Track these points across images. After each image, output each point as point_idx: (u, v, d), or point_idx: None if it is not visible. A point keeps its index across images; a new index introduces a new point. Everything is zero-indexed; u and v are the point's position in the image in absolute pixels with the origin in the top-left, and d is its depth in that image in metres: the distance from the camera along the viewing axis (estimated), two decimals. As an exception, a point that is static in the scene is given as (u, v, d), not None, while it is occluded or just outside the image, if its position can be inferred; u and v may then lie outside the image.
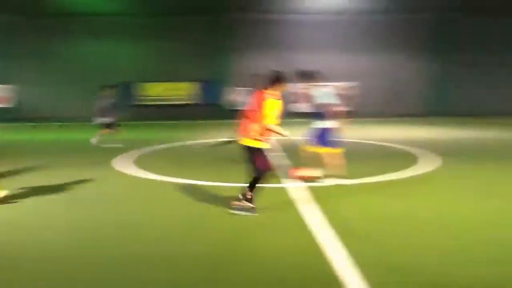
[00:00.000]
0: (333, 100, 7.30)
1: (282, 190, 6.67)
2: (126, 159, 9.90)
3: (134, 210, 5.81)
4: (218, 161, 9.71)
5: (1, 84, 21.82)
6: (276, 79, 5.47)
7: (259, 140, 5.38)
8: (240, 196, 5.48)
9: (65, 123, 19.84)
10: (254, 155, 5.39)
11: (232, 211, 5.46)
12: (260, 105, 5.36)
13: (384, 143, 12.29)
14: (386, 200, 6.11)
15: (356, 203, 5.93)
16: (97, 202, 6.29)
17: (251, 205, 5.43)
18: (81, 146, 12.57)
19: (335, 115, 7.20)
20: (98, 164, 9.19)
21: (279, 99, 5.45)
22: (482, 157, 9.93)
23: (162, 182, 7.45)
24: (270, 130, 5.39)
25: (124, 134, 12.75)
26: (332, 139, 7.22)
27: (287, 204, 5.87)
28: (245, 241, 4.60)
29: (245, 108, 5.78)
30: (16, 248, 4.43)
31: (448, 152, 10.42)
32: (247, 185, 5.44)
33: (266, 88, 5.47)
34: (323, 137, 7.25)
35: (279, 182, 7.10)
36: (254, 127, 5.35)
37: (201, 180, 7.38)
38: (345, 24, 23.39)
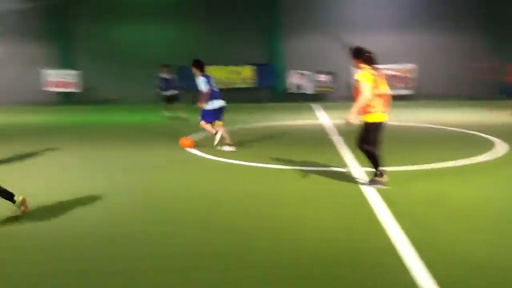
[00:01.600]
0: None
1: (349, 174, 6.67)
2: (200, 141, 10.18)
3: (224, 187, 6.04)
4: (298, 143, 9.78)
5: (70, 69, 22.84)
6: (358, 54, 5.73)
7: (365, 114, 5.68)
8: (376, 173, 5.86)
9: (129, 105, 20.58)
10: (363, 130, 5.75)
11: (370, 186, 5.85)
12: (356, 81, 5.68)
13: (454, 128, 11.85)
14: (459, 186, 5.97)
15: (425, 189, 5.82)
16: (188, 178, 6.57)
17: (382, 179, 5.82)
18: (149, 127, 13.07)
19: None
20: (168, 145, 9.57)
21: (374, 73, 5.63)
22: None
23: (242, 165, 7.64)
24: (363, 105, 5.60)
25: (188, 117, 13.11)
26: None
27: (355, 189, 5.88)
28: (308, 221, 4.67)
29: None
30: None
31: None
32: (372, 162, 5.80)
33: (357, 63, 5.74)
34: None
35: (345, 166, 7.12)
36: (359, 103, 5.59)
37: (280, 164, 7.51)
38: (404, 2, 22.56)
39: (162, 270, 3.66)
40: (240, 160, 7.92)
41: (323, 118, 14.80)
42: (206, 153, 8.68)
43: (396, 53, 21.37)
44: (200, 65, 9.18)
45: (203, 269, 3.66)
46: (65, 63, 23.05)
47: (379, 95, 5.66)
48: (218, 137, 9.05)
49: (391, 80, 21.41)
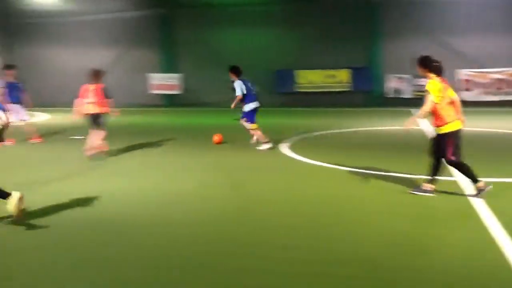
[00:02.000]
0: None
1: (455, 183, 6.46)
2: (294, 144, 10.42)
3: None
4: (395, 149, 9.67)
5: (172, 73, 24.31)
6: (425, 63, 5.73)
7: (441, 125, 5.63)
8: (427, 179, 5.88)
9: (222, 109, 21.39)
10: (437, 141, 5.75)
11: (412, 192, 5.92)
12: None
13: None
14: None
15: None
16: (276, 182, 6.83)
17: (430, 187, 5.82)
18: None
19: None
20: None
21: (441, 83, 5.62)
22: None
23: (331, 169, 7.74)
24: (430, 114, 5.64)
25: (283, 121, 13.38)
26: None
27: (461, 199, 5.70)
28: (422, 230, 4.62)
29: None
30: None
31: None
32: (464, 173, 5.74)
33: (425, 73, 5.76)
34: None
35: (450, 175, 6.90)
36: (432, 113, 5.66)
37: (374, 170, 7.50)
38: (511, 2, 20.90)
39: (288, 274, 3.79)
40: (339, 165, 7.99)
41: (422, 123, 14.30)
42: (302, 156, 8.86)
43: (505, 56, 19.97)
44: (237, 71, 10.08)
45: (328, 276, 3.70)
46: (168, 68, 24.58)
47: (450, 103, 5.65)
48: (255, 137, 10.09)
49: (499, 84, 20.04)
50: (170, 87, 24.22)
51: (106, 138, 9.34)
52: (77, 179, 7.51)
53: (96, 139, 9.08)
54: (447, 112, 5.58)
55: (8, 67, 11.77)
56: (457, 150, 5.60)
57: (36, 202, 5.76)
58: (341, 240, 4.46)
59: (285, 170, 7.85)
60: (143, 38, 24.76)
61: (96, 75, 9.10)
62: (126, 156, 9.50)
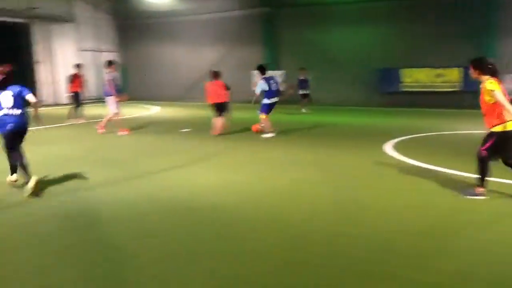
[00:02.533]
0: None
1: None
2: (399, 144, 10.15)
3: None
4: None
5: (276, 70, 24.67)
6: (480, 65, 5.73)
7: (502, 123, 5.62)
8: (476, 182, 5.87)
9: (326, 107, 21.35)
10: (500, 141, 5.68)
11: (466, 196, 5.87)
12: None
13: None
14: None
15: None
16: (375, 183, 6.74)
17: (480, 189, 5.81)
18: (352, 129, 13.47)
19: None
20: (371, 147, 9.78)
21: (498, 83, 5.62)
22: None
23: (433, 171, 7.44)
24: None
25: (387, 120, 13.02)
26: None
27: None
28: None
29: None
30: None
31: None
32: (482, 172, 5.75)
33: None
34: None
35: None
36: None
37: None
38: None
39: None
40: (450, 168, 7.66)
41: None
42: (408, 157, 8.61)
43: None
44: (262, 70, 11.86)
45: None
46: (271, 66, 24.99)
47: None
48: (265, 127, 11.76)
49: None
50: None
51: (226, 124, 12.19)
52: (194, 169, 8.05)
53: (219, 122, 12.03)
54: (503, 112, 5.53)
55: (110, 63, 12.98)
56: (494, 151, 5.65)
57: (154, 189, 6.29)
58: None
59: (391, 173, 7.68)
60: (248, 36, 25.45)
61: (216, 74, 12.18)
62: (236, 150, 9.98)
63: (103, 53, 27.88)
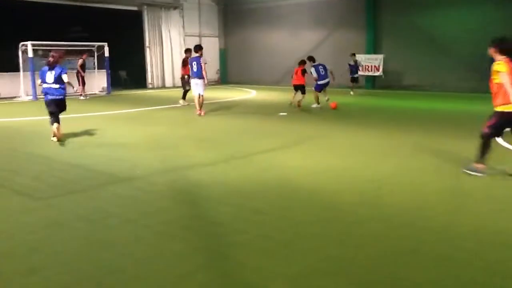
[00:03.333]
0: None
1: None
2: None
3: None
4: None
5: (375, 54, 23.73)
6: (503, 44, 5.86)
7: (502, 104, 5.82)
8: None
9: (432, 93, 20.16)
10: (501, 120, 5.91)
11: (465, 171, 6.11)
12: None
13: None
14: None
15: None
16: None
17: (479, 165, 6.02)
18: (449, 116, 12.59)
19: None
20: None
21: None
22: None
23: None
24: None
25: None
26: None
27: None
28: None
29: None
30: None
31: None
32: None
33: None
34: None
35: None
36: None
37: None
38: None
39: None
40: None
41: None
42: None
43: None
44: (312, 59, 14.87)
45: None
46: (371, 49, 24.05)
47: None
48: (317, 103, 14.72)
49: None
50: (373, 68, 23.69)
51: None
52: (293, 152, 8.05)
53: (298, 98, 14.81)
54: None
55: (199, 47, 13.84)
56: (497, 129, 5.96)
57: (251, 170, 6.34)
58: None
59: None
60: (348, 20, 24.71)
61: (303, 61, 14.95)
62: (333, 133, 9.80)
63: (206, 38, 28.83)
